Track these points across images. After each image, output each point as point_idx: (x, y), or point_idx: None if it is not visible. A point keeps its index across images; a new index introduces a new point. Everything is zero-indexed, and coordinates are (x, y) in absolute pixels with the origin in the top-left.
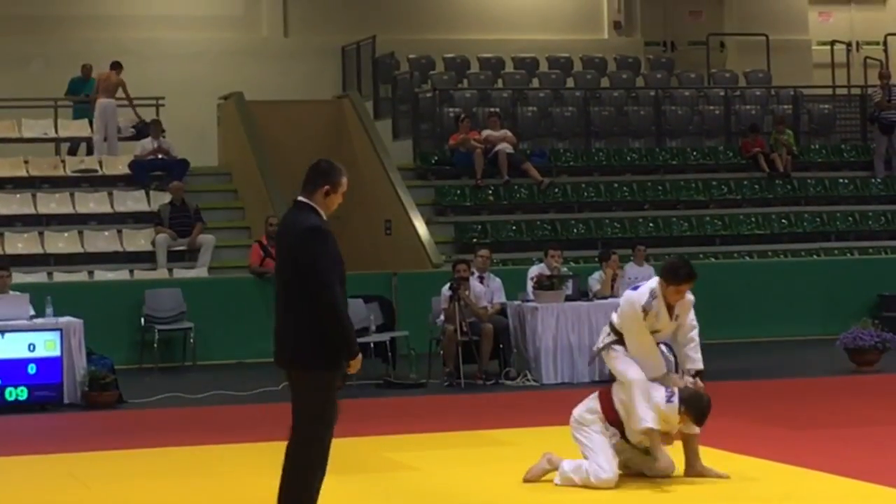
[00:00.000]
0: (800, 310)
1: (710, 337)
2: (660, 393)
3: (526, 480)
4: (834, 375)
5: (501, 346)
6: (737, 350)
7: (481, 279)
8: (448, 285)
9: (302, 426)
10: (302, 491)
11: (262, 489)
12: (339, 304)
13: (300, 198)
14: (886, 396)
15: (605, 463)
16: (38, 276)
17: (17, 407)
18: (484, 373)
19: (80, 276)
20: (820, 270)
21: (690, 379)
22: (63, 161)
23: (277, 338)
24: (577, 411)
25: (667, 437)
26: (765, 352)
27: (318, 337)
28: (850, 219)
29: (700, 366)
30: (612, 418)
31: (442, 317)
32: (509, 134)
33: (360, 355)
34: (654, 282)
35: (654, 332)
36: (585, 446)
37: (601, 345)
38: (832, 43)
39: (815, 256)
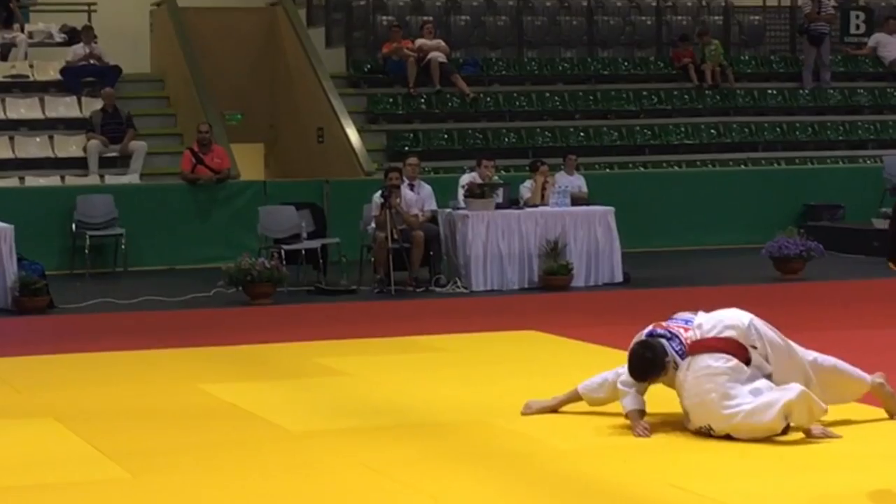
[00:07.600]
0: (727, 219)
1: (639, 246)
2: None
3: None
4: (759, 283)
5: (432, 253)
6: (664, 258)
7: (412, 187)
8: (379, 193)
9: None
10: None
11: (193, 393)
12: None
13: None
14: (810, 303)
15: None
16: None
17: None
18: (414, 279)
19: (11, 182)
20: (747, 180)
21: None
22: None
23: None
24: None
25: None
26: (692, 260)
27: None
28: (778, 129)
29: None
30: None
31: (373, 224)
32: (442, 43)
33: None
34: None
35: None
36: None
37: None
38: None
39: (742, 166)
